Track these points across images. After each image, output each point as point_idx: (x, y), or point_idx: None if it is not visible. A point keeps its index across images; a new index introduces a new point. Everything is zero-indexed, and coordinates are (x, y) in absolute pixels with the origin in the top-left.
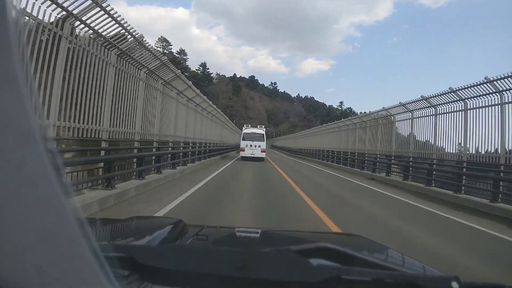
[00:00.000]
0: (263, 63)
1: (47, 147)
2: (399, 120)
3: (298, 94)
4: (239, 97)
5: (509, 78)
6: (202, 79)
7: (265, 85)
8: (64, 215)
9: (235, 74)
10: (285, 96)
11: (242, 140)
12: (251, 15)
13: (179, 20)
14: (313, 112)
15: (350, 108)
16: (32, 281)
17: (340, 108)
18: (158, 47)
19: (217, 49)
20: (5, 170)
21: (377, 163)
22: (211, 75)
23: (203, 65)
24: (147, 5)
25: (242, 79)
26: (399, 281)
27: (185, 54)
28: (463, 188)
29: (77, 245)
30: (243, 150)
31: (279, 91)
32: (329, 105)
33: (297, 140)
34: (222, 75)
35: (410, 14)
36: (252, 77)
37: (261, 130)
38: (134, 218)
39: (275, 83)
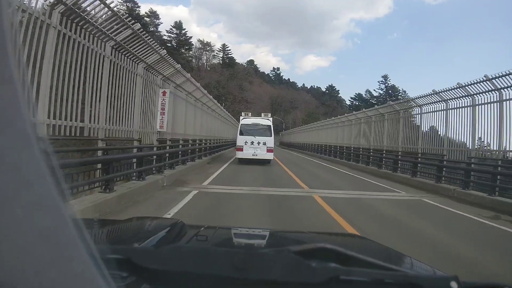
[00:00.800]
0: (263, 60)
1: (43, 147)
2: None
3: (303, 84)
4: (234, 80)
5: None
6: (178, 46)
7: (266, 73)
8: (61, 216)
9: (232, 57)
10: (291, 84)
11: (239, 134)
12: (251, 12)
13: (179, 18)
14: (335, 97)
15: (393, 85)
16: (30, 283)
17: (383, 85)
18: (121, 4)
19: (217, 47)
20: (1, 171)
21: None
22: (190, 40)
23: (179, 25)
24: (147, 4)
25: (238, 64)
26: (399, 281)
27: (157, 17)
28: None
29: (74, 247)
30: (241, 149)
31: (283, 78)
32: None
33: (327, 133)
34: (206, 43)
35: (410, 11)
36: (251, 61)
37: (266, 120)
38: (133, 219)
39: (278, 69)
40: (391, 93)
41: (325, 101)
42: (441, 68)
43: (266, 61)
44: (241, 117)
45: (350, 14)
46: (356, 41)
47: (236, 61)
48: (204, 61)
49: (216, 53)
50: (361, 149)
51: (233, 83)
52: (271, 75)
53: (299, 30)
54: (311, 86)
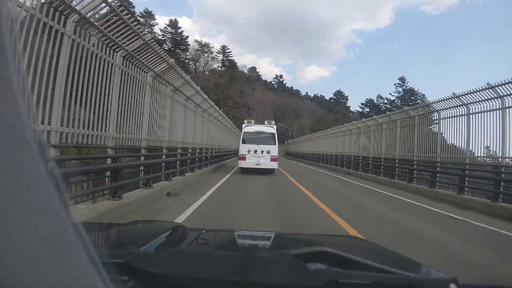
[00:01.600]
0: (265, 70)
1: (44, 154)
2: None
3: (306, 92)
4: (234, 84)
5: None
6: (174, 46)
7: (268, 81)
8: (61, 221)
9: (233, 60)
10: (294, 92)
11: (242, 143)
12: (253, 22)
13: (183, 29)
14: (343, 102)
15: (412, 88)
16: (30, 287)
17: (400, 88)
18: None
19: (216, 48)
20: (1, 176)
21: None
22: (186, 40)
23: (174, 24)
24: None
25: (239, 71)
26: (399, 284)
27: (153, 18)
28: None
29: (75, 252)
30: (244, 158)
31: (286, 85)
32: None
33: (340, 141)
34: (204, 43)
35: (412, 21)
36: (253, 68)
37: (270, 128)
38: (134, 223)
39: (281, 76)
40: (407, 98)
41: (333, 108)
42: (450, 72)
43: (268, 71)
44: (243, 125)
45: (351, 25)
46: (358, 51)
47: (237, 64)
48: (202, 63)
49: (216, 55)
50: (397, 161)
51: (233, 87)
52: (273, 83)
53: (301, 40)
54: (315, 94)
